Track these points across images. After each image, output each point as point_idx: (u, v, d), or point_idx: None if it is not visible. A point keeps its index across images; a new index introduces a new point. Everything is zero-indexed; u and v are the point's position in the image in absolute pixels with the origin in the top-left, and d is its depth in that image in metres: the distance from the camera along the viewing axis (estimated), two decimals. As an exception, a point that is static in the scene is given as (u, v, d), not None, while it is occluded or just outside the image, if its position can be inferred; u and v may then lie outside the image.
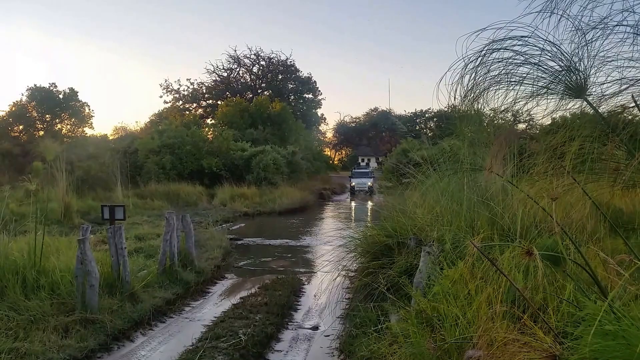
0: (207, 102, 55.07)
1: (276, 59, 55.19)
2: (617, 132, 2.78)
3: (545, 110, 2.87)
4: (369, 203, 22.68)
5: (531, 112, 3.25)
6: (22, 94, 36.81)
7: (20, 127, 35.99)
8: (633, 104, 2.66)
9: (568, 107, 2.81)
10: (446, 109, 4.94)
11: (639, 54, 2.65)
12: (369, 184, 32.72)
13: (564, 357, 2.11)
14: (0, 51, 73.89)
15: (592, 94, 2.71)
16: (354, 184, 34.18)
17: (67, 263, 6.56)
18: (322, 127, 64.72)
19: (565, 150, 3.07)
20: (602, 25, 2.63)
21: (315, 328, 6.44)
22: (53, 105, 36.66)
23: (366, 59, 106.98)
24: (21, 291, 5.89)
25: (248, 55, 54.96)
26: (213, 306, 7.45)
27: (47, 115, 36.98)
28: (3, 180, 20.04)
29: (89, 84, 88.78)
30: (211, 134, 33.23)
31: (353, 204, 27.61)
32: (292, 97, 55.86)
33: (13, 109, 35.48)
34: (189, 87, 54.47)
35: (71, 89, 37.85)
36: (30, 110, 36.36)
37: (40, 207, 8.86)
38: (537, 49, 2.68)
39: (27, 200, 14.01)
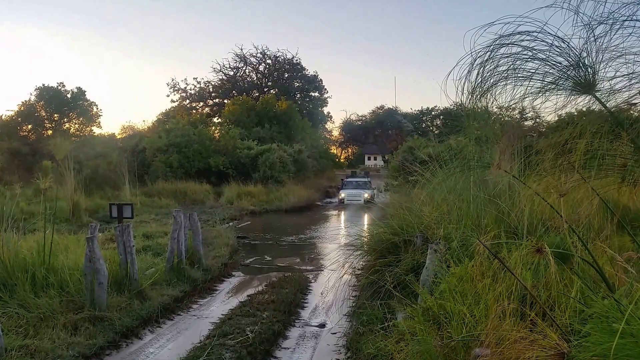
0: (214, 100, 55.24)
1: (282, 57, 55.24)
2: (625, 128, 2.76)
3: (555, 105, 2.85)
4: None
5: (538, 109, 3.23)
6: (31, 94, 37.24)
7: (29, 126, 36.35)
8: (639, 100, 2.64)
9: (577, 103, 2.79)
10: (452, 107, 4.92)
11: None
12: (366, 195, 25.53)
13: (573, 355, 2.10)
14: (8, 51, 74.61)
15: (600, 90, 2.69)
16: (343, 196, 26.79)
17: (75, 261, 6.61)
18: (329, 126, 64.69)
19: (572, 147, 3.05)
20: (612, 20, 2.60)
21: (322, 325, 6.45)
22: (61, 105, 36.99)
23: (372, 57, 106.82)
24: (31, 289, 5.95)
25: (254, 54, 55.05)
26: (220, 304, 7.48)
27: (55, 115, 37.31)
28: (13, 179, 20.24)
29: (97, 83, 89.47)
30: (218, 132, 33.37)
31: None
32: (298, 95, 55.86)
33: (22, 108, 35.85)
34: (195, 86, 54.70)
35: (79, 89, 38.22)
36: (38, 109, 36.71)
37: (49, 206, 8.94)
38: (546, 44, 2.66)
39: (36, 198, 14.14)
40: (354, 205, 23.75)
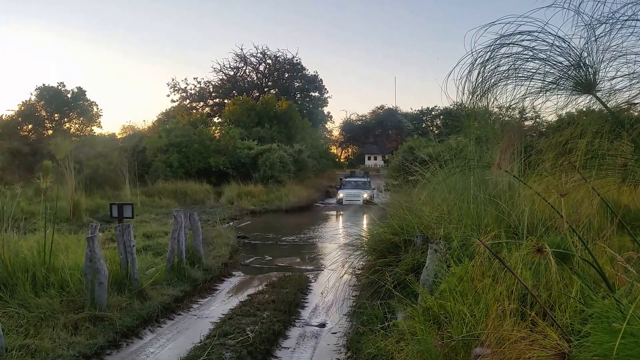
0: (214, 100, 55.24)
1: (282, 57, 55.24)
2: (625, 128, 2.76)
3: (556, 105, 2.85)
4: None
5: (538, 109, 3.23)
6: (31, 94, 37.26)
7: (29, 126, 36.36)
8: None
9: (578, 103, 2.79)
10: (453, 107, 4.92)
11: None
12: (365, 196, 24.57)
13: (573, 355, 2.10)
14: (9, 51, 74.63)
15: (601, 90, 2.69)
16: (341, 196, 25.87)
17: (76, 261, 6.61)
18: (329, 125, 64.64)
19: (573, 147, 3.05)
20: (613, 20, 2.60)
21: (322, 325, 6.45)
22: (61, 105, 37.00)
23: (372, 57, 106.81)
24: (31, 289, 5.95)
25: (254, 54, 55.05)
26: (221, 303, 7.48)
27: (56, 115, 37.32)
28: (13, 179, 20.24)
29: (97, 83, 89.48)
30: (218, 132, 33.38)
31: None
32: (299, 95, 55.86)
33: (22, 108, 35.85)
34: (196, 86, 54.70)
35: (79, 88, 38.22)
36: (39, 109, 36.72)
37: (50, 206, 8.94)
38: (547, 44, 2.66)
39: (37, 198, 14.15)
40: (353, 206, 23.31)
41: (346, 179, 29.15)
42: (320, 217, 21.16)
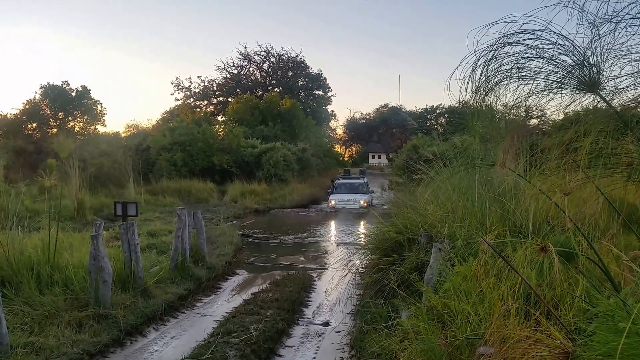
0: (218, 99, 55.37)
1: (286, 55, 55.34)
2: (631, 127, 2.75)
3: (559, 105, 2.84)
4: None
5: (543, 108, 3.22)
6: (36, 92, 37.55)
7: (34, 124, 36.59)
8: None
9: (582, 102, 2.78)
10: (457, 105, 4.90)
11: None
12: (362, 202, 20.83)
13: (577, 354, 2.10)
14: (13, 50, 74.98)
15: (605, 89, 2.67)
16: (333, 202, 21.41)
17: (80, 259, 6.64)
18: (332, 124, 64.78)
19: (578, 145, 3.04)
20: (617, 19, 2.59)
21: (325, 324, 6.46)
22: (66, 103, 37.24)
23: (376, 56, 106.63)
24: (36, 287, 5.97)
25: (258, 52, 55.15)
26: (224, 302, 7.50)
27: (60, 113, 37.57)
28: (17, 177, 20.34)
29: (101, 82, 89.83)
30: (222, 131, 33.48)
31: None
32: (302, 93, 55.93)
33: (27, 106, 36.09)
34: (199, 85, 54.90)
35: (84, 87, 38.47)
36: (43, 108, 36.97)
37: (54, 204, 8.98)
38: (550, 42, 2.65)
39: (41, 196, 14.21)
40: (347, 213, 19.62)
41: (339, 181, 24.35)
42: (324, 215, 21.17)
